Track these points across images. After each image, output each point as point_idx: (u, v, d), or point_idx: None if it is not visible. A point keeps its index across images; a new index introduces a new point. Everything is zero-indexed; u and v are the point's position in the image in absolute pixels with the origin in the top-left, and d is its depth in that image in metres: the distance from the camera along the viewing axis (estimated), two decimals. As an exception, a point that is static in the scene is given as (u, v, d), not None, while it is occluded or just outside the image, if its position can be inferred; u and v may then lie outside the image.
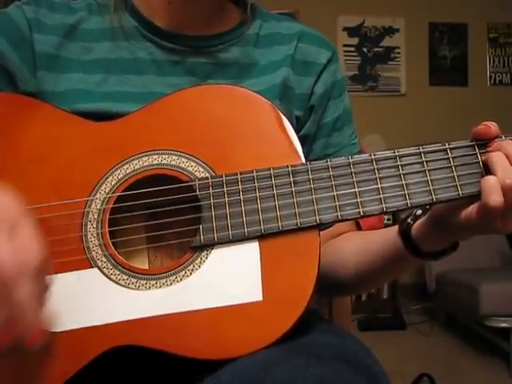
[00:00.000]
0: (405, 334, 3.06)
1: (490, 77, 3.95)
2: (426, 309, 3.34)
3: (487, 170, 0.58)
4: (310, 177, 0.60)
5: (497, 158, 0.56)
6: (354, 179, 0.60)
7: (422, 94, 3.86)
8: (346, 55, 3.82)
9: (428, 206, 0.63)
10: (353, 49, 3.86)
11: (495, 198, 0.54)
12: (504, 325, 2.50)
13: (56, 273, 0.59)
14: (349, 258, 0.73)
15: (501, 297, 2.50)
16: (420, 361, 2.57)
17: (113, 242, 0.62)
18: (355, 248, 0.73)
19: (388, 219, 3.07)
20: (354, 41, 3.86)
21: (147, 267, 0.66)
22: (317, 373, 0.49)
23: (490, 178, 0.55)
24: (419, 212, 0.64)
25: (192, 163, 0.63)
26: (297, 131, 0.77)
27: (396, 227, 0.66)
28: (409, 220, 0.64)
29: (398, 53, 3.88)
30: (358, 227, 0.80)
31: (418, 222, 0.63)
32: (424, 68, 3.90)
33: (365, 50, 3.87)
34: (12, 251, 0.45)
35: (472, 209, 0.57)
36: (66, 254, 0.60)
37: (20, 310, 0.45)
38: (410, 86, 3.86)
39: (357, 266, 0.72)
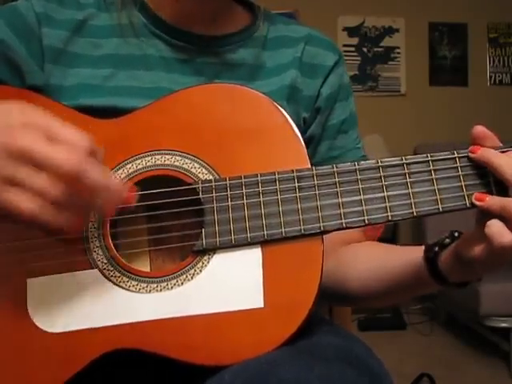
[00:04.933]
0: (405, 333, 3.05)
1: (490, 77, 3.95)
2: (426, 309, 3.33)
3: (496, 180, 0.57)
4: (315, 182, 0.60)
5: (491, 156, 0.56)
6: (360, 186, 0.59)
7: (422, 94, 3.85)
8: (346, 55, 3.81)
9: (456, 234, 0.62)
10: (353, 49, 3.85)
11: (508, 238, 0.53)
12: (504, 325, 2.49)
13: (56, 273, 0.59)
14: (362, 273, 0.72)
15: (501, 297, 2.50)
16: (420, 361, 2.56)
17: (115, 244, 0.61)
18: (372, 263, 0.72)
19: (388, 219, 3.05)
20: (354, 41, 3.85)
21: (149, 269, 0.65)
22: (320, 373, 0.49)
23: (493, 222, 0.54)
24: (447, 241, 0.62)
25: (196, 165, 0.62)
26: (303, 132, 0.77)
27: (421, 250, 0.64)
28: (436, 248, 0.62)
29: (398, 53, 3.87)
30: None
31: (445, 251, 0.62)
32: (424, 68, 3.89)
33: (365, 49, 3.86)
34: (66, 149, 0.50)
35: (482, 251, 0.55)
36: (66, 254, 0.60)
37: (100, 184, 0.51)
38: (410, 85, 3.85)
39: (371, 282, 0.71)
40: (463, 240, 0.59)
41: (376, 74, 3.85)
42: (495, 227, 0.54)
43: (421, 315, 3.27)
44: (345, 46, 3.81)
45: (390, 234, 3.17)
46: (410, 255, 0.66)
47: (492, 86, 3.94)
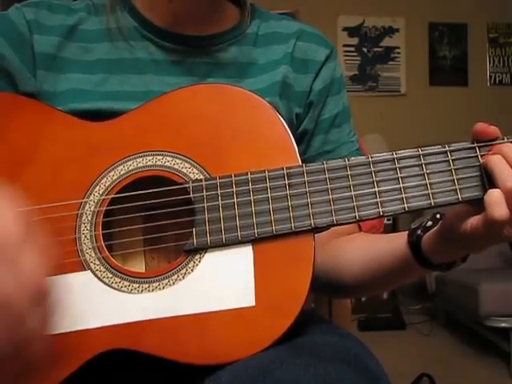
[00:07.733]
0: (405, 333, 3.06)
1: (490, 77, 3.95)
2: (426, 309, 3.34)
3: (487, 174, 0.56)
4: (306, 179, 0.59)
5: (496, 162, 0.55)
6: (351, 182, 0.58)
7: (422, 94, 3.85)
8: (345, 55, 3.82)
9: (438, 216, 0.62)
10: (353, 49, 3.86)
11: (500, 211, 0.52)
12: (504, 325, 2.49)
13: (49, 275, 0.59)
14: (354, 263, 0.72)
15: (501, 297, 2.49)
16: (420, 361, 2.57)
17: (109, 245, 0.61)
18: (361, 254, 0.72)
19: (388, 219, 3.06)
20: (354, 41, 3.86)
21: (144, 269, 0.65)
22: (318, 373, 0.49)
23: (494, 192, 0.54)
24: (430, 223, 0.62)
25: (186, 164, 0.62)
26: (296, 128, 0.77)
27: (405, 235, 0.64)
28: (419, 232, 0.62)
29: (398, 53, 3.87)
30: (359, 226, 0.79)
31: (428, 233, 0.62)
32: (424, 68, 3.90)
33: (365, 50, 3.87)
34: (18, 285, 0.42)
35: (477, 220, 0.55)
36: (59, 256, 0.59)
37: (32, 335, 0.44)
38: (410, 86, 3.86)
39: (362, 271, 0.71)
40: (454, 215, 0.58)
41: (376, 73, 3.86)
42: (495, 196, 0.53)
43: (421, 315, 3.27)
44: (345, 46, 3.82)
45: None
46: (395, 241, 0.66)
47: (492, 85, 3.95)
